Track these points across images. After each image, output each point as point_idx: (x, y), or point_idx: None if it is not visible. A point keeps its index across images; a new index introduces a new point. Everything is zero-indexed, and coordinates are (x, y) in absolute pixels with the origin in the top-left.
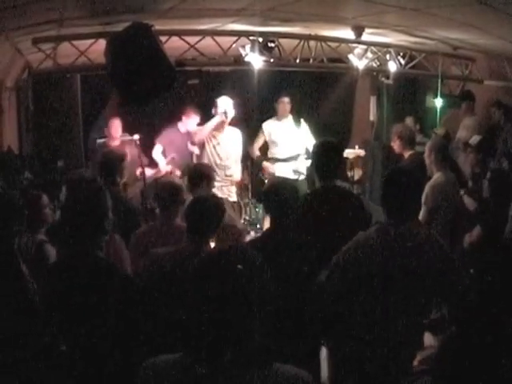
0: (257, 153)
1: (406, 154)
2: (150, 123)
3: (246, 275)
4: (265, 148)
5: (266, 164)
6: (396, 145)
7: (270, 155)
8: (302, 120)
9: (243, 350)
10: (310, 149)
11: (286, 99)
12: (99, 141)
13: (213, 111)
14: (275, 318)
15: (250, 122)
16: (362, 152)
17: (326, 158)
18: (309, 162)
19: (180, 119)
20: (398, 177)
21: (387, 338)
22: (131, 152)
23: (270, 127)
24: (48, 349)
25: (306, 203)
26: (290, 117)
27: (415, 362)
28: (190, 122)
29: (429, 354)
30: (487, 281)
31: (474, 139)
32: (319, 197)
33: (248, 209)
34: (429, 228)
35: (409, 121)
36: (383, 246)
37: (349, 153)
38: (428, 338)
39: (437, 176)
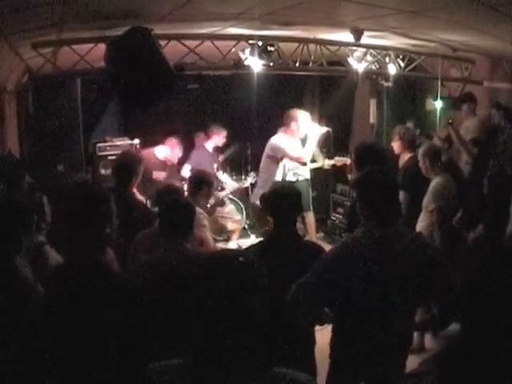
0: None
1: (406, 157)
2: (149, 128)
3: (247, 271)
4: None
5: None
6: (396, 145)
7: None
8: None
9: (245, 354)
10: (315, 154)
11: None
12: (100, 145)
13: None
14: (275, 322)
15: (250, 125)
16: (348, 160)
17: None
18: (310, 165)
19: (208, 138)
20: (378, 179)
21: (377, 336)
22: None
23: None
24: (48, 355)
25: None
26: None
27: (417, 364)
28: (219, 139)
29: (430, 356)
30: (488, 283)
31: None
32: None
33: (249, 212)
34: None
35: (409, 125)
36: (371, 248)
37: (337, 160)
38: (429, 341)
39: (436, 181)
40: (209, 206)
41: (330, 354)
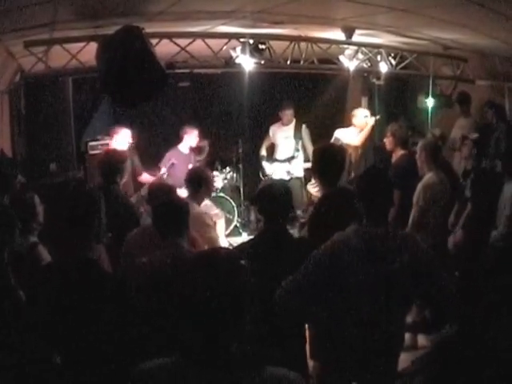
0: (263, 153)
1: (398, 154)
2: (141, 126)
3: (243, 273)
4: (272, 149)
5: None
6: (388, 141)
7: (274, 155)
8: (304, 126)
9: (236, 353)
10: (309, 153)
11: (289, 112)
12: (91, 143)
13: None
14: (264, 320)
15: (241, 123)
16: None
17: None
18: (303, 165)
19: (179, 141)
20: (374, 178)
21: (369, 336)
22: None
23: (273, 129)
24: (42, 361)
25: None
26: (293, 123)
27: (409, 362)
28: (191, 139)
29: (423, 355)
30: (471, 284)
31: (474, 134)
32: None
33: (240, 210)
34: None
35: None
36: (363, 247)
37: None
38: (421, 339)
39: (428, 176)
40: None
41: (322, 352)
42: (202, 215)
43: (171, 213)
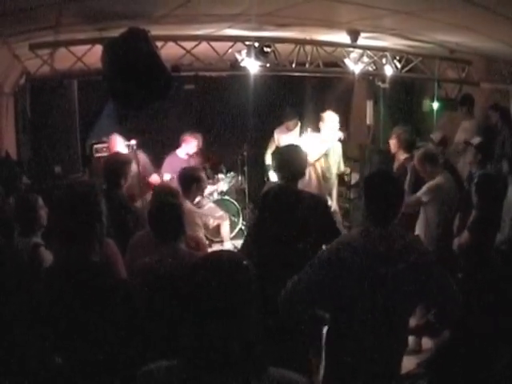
0: (268, 162)
1: (401, 157)
2: (146, 128)
3: (238, 272)
4: None
5: None
6: (393, 144)
7: None
8: (309, 130)
9: (239, 355)
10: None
11: (293, 122)
12: (96, 146)
13: None
14: (266, 322)
15: (246, 126)
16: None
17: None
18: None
19: (178, 146)
20: (381, 179)
21: (372, 338)
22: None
23: (278, 133)
24: (43, 361)
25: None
26: (298, 127)
27: (414, 365)
28: (188, 147)
29: (427, 358)
30: (475, 287)
31: (476, 139)
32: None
33: (245, 213)
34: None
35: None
36: (367, 248)
37: None
38: (426, 342)
39: (436, 179)
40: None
41: (326, 354)
42: (191, 213)
43: (164, 215)
